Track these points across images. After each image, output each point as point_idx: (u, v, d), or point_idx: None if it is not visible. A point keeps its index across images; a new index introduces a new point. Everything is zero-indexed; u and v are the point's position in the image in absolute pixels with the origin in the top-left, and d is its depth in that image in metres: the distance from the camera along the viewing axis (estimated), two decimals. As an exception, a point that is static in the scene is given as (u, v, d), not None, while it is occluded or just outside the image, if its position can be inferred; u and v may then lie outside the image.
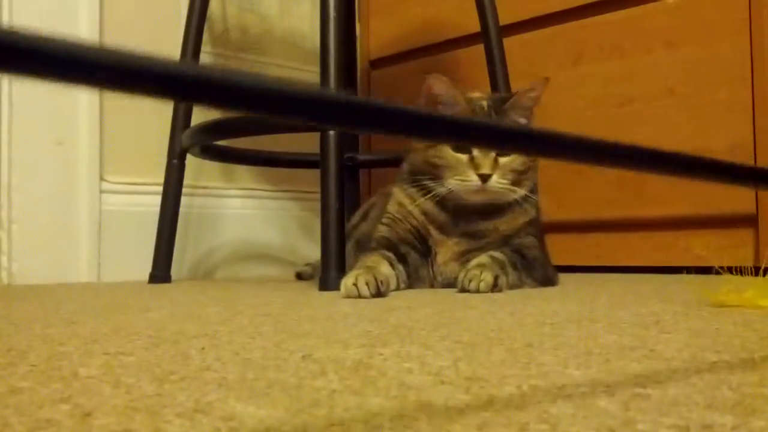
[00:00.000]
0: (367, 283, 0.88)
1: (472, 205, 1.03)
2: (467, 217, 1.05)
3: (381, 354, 0.46)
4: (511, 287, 0.98)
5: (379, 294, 0.89)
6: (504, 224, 1.05)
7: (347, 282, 0.90)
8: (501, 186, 1.00)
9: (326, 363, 0.42)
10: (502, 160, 1.00)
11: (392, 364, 0.42)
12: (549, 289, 1.02)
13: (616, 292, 0.96)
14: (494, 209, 1.05)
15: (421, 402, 0.33)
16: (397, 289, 1.01)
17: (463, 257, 1.04)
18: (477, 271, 0.93)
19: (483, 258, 0.99)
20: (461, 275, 0.95)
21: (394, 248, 1.05)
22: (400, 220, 1.08)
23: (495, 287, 0.93)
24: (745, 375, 0.38)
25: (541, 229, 1.13)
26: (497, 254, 1.00)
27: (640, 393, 0.34)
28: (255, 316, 0.70)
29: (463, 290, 0.93)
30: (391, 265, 1.01)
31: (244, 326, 0.62)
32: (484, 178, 0.99)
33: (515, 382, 0.36)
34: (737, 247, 1.35)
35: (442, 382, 0.37)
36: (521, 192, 1.02)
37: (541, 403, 0.32)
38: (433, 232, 1.06)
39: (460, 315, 0.69)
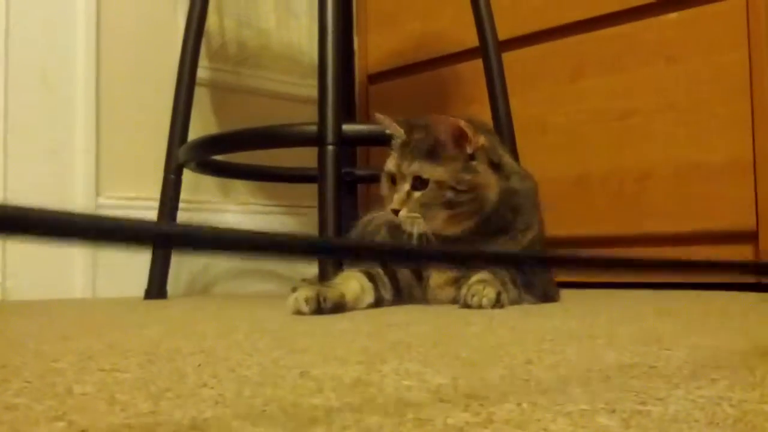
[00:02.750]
0: (306, 300, 0.88)
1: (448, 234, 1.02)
2: (454, 243, 1.02)
3: (379, 371, 0.45)
4: (511, 303, 0.97)
5: (319, 311, 0.88)
6: (501, 247, 1.04)
7: (290, 298, 0.90)
8: (409, 218, 1.00)
9: (324, 380, 0.42)
10: (415, 194, 1.01)
11: (391, 381, 0.42)
12: (549, 306, 1.01)
13: (616, 309, 0.95)
14: (487, 233, 1.03)
15: (420, 420, 0.32)
16: (377, 304, 0.99)
17: (458, 283, 1.02)
18: (480, 287, 0.93)
19: (484, 274, 0.98)
20: (463, 290, 0.95)
21: (381, 263, 1.02)
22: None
23: (497, 303, 0.92)
24: (745, 392, 0.38)
25: (544, 245, 1.12)
26: (498, 269, 0.99)
27: (641, 410, 0.33)
28: (252, 333, 0.69)
29: (466, 305, 0.92)
30: (371, 279, 1.00)
31: (240, 342, 0.61)
32: (396, 212, 1.00)
33: (515, 399, 0.36)
34: (736, 262, 1.35)
35: (441, 400, 0.36)
36: (434, 224, 1.00)
37: (540, 421, 0.32)
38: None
39: (458, 331, 0.69)
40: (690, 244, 1.41)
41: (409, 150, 1.03)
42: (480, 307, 0.91)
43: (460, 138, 1.01)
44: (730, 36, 1.35)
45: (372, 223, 1.12)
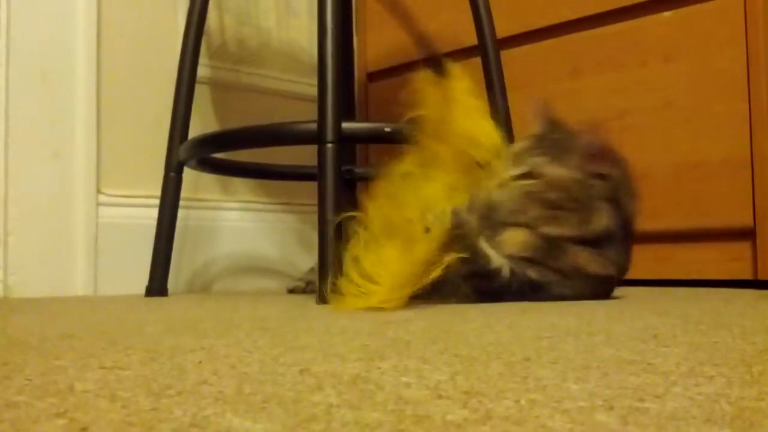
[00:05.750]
0: None
1: None
2: None
3: (379, 368, 0.45)
4: None
5: None
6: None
7: None
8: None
9: (324, 377, 0.42)
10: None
11: (390, 378, 0.42)
12: (546, 303, 1.01)
13: (614, 306, 0.95)
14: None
15: (419, 416, 0.32)
16: None
17: None
18: None
19: None
20: None
21: None
22: None
23: None
24: (743, 389, 0.38)
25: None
26: None
27: (639, 407, 0.34)
28: (252, 330, 0.69)
29: None
30: None
31: (241, 340, 0.61)
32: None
33: (513, 396, 0.36)
34: (735, 260, 1.35)
35: (440, 396, 0.36)
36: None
37: (539, 418, 0.32)
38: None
39: (457, 328, 0.69)
40: (688, 242, 1.41)
41: (539, 143, 1.03)
42: None
43: (596, 155, 1.01)
44: (728, 34, 1.36)
45: None
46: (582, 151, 1.00)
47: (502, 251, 0.98)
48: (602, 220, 1.00)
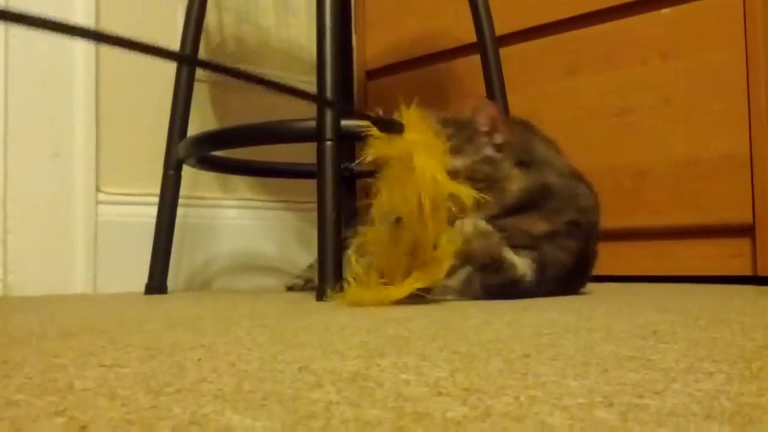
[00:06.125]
0: None
1: None
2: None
3: (378, 365, 0.45)
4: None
5: None
6: (528, 225, 1.05)
7: None
8: None
9: (323, 374, 0.42)
10: None
11: (389, 375, 0.42)
12: (546, 299, 1.01)
13: (613, 302, 0.96)
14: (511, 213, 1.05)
15: (418, 413, 0.32)
16: None
17: None
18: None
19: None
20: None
21: None
22: None
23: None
24: (743, 385, 0.38)
25: (581, 246, 1.11)
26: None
27: (638, 403, 0.34)
28: (251, 327, 0.69)
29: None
30: None
31: (240, 337, 0.61)
32: None
33: (513, 392, 0.36)
34: (735, 256, 1.35)
35: (440, 393, 0.36)
36: None
37: (538, 414, 0.32)
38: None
39: (457, 325, 0.69)
40: (688, 238, 1.41)
41: None
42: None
43: (494, 128, 1.04)
44: (727, 31, 1.36)
45: None
46: (481, 123, 1.04)
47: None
48: (513, 184, 1.04)
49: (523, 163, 1.05)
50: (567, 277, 1.07)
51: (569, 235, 1.06)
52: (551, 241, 1.05)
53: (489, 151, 1.04)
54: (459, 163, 1.03)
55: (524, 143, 1.08)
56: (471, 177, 1.02)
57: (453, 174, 1.01)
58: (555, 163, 1.10)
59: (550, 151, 1.13)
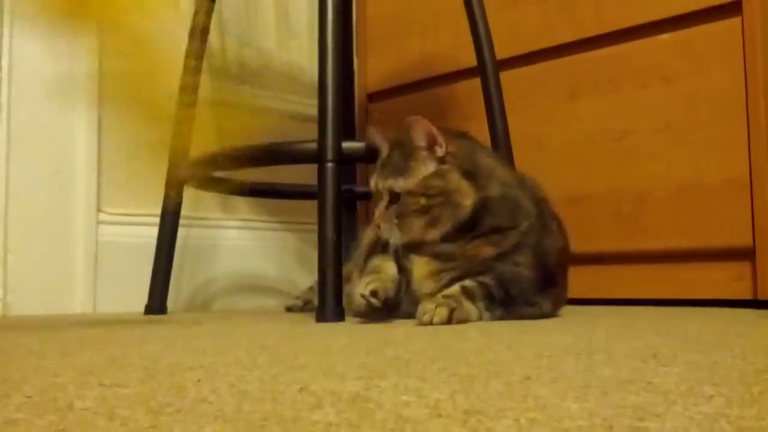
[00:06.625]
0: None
1: None
2: (427, 244, 1.07)
3: (378, 386, 0.45)
4: (480, 318, 1.00)
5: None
6: (476, 249, 1.06)
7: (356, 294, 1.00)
8: (387, 231, 1.06)
9: (323, 395, 0.42)
10: (392, 207, 1.06)
11: (389, 396, 0.42)
12: (546, 321, 1.01)
13: (614, 325, 0.95)
14: (461, 233, 1.06)
15: (419, 435, 0.32)
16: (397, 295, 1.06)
17: (439, 275, 1.06)
18: (431, 306, 0.95)
19: (453, 289, 1.01)
20: (419, 308, 0.97)
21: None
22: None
23: (449, 321, 0.95)
24: (743, 409, 0.38)
25: (540, 254, 1.12)
26: (469, 284, 1.02)
27: (639, 426, 0.34)
28: (251, 348, 0.69)
29: (420, 323, 0.95)
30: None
31: (240, 358, 0.61)
32: (378, 227, 1.07)
33: (513, 415, 0.36)
34: (735, 280, 1.35)
35: (440, 415, 0.36)
36: (411, 233, 1.05)
37: (538, 436, 0.32)
38: (404, 254, 1.08)
39: (457, 347, 0.69)
40: (688, 262, 1.41)
41: (386, 167, 1.09)
42: (431, 324, 0.94)
43: (432, 141, 1.05)
44: (726, 56, 1.36)
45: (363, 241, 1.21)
46: (419, 139, 1.05)
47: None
48: (467, 199, 1.05)
49: (469, 173, 1.06)
50: (534, 290, 1.07)
51: (518, 252, 1.06)
52: (503, 261, 1.05)
53: (433, 165, 1.05)
54: (411, 182, 1.05)
55: (467, 154, 1.09)
56: (425, 193, 1.04)
57: (409, 193, 1.04)
58: (498, 173, 1.11)
59: (492, 160, 1.14)
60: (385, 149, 1.11)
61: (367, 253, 1.17)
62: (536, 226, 1.09)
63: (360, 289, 1.01)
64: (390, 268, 1.07)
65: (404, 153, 1.07)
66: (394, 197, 1.06)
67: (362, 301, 1.00)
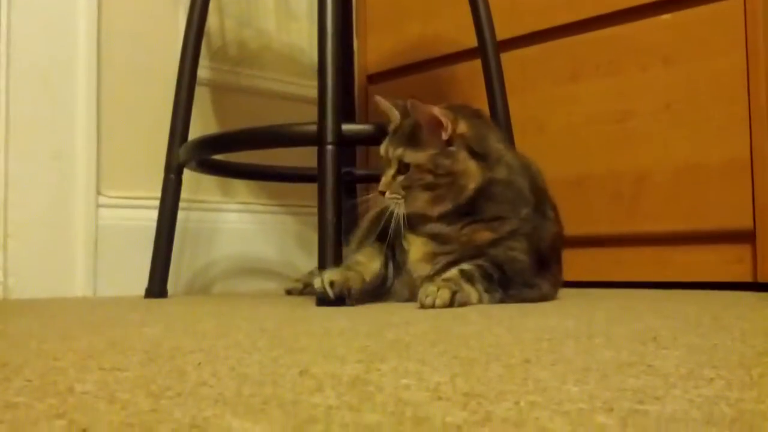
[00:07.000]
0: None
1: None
2: (427, 220, 1.07)
3: (378, 369, 0.45)
4: (481, 301, 1.00)
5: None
6: (473, 234, 1.06)
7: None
8: (392, 200, 1.07)
9: (323, 378, 0.42)
10: (399, 177, 1.06)
11: (389, 379, 0.42)
12: (546, 305, 1.02)
13: (613, 308, 0.96)
14: (460, 216, 1.06)
15: (418, 418, 0.32)
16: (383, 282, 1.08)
17: (434, 259, 1.07)
18: (434, 288, 0.96)
19: (451, 272, 1.01)
20: (421, 291, 0.97)
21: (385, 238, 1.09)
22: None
23: (451, 304, 0.95)
24: (743, 391, 0.38)
25: (535, 241, 1.12)
26: (467, 267, 1.02)
27: (639, 409, 0.34)
28: (252, 331, 0.69)
29: (421, 305, 0.95)
30: (386, 258, 1.09)
31: (240, 341, 0.61)
32: (382, 193, 1.07)
33: (513, 398, 0.36)
34: (735, 262, 1.35)
35: (440, 398, 0.36)
36: (415, 205, 1.06)
37: (538, 419, 0.32)
38: (406, 229, 1.08)
39: (457, 331, 0.69)
40: (688, 244, 1.41)
41: (397, 135, 1.09)
42: (433, 307, 0.94)
43: (436, 125, 1.05)
44: (728, 37, 1.36)
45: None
46: (424, 124, 1.05)
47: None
48: (471, 182, 1.05)
49: (478, 155, 1.06)
50: (531, 272, 1.07)
51: (513, 238, 1.07)
52: (498, 246, 1.06)
53: (439, 147, 1.05)
54: (421, 156, 1.05)
55: (478, 136, 1.08)
56: (434, 171, 1.04)
57: (418, 167, 1.05)
58: (507, 158, 1.11)
59: (503, 145, 1.13)
60: (395, 116, 1.12)
61: (365, 234, 1.17)
62: (534, 214, 1.10)
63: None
64: (373, 262, 1.08)
65: (416, 123, 1.07)
66: (403, 167, 1.06)
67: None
